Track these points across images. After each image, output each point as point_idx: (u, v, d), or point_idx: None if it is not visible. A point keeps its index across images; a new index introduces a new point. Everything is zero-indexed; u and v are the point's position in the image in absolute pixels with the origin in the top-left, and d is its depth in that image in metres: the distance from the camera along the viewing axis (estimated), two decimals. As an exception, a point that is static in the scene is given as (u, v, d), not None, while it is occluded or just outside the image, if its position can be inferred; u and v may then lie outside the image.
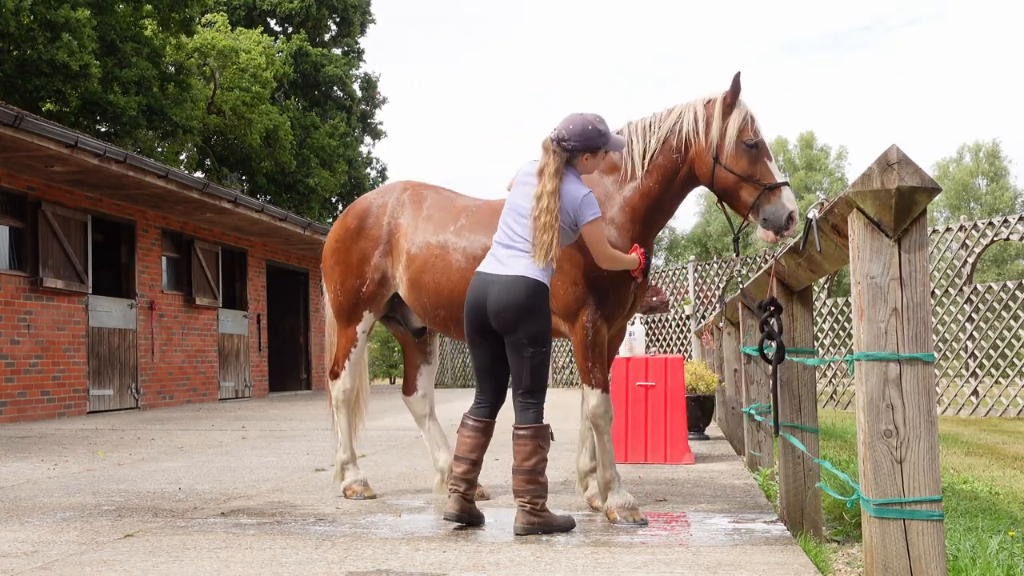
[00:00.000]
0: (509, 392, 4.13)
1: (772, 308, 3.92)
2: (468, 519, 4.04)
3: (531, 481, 3.92)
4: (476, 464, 4.06)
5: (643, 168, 4.30)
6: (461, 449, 4.07)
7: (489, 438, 4.13)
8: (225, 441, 8.37)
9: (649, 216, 4.35)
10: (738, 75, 4.16)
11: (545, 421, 4.04)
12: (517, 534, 3.88)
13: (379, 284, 4.84)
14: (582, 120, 4.04)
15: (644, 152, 4.31)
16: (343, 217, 5.07)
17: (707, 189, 4.36)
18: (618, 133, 4.40)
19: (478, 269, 4.07)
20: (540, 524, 3.90)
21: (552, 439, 4.08)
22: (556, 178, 3.96)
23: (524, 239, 3.98)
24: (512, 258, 3.98)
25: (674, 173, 4.29)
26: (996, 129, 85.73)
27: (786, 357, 3.98)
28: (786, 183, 4.11)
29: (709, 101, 4.26)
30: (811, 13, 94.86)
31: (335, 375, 5.05)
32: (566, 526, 3.97)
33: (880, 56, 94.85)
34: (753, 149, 4.11)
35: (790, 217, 4.04)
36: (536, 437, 3.94)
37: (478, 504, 4.74)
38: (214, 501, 4.90)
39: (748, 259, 17.35)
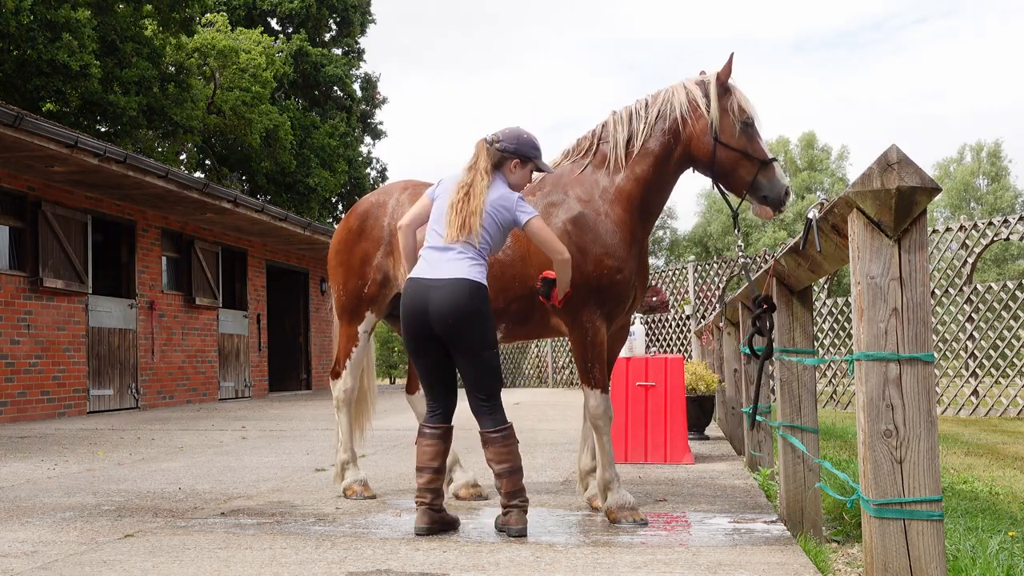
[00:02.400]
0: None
1: (765, 307, 3.95)
2: (440, 528, 3.94)
3: (520, 480, 3.88)
4: (439, 472, 3.97)
5: (628, 155, 4.29)
6: (422, 459, 3.97)
7: (449, 444, 4.05)
8: (225, 441, 8.37)
9: (645, 203, 4.33)
10: (732, 56, 4.25)
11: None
12: (518, 536, 3.81)
13: (381, 285, 4.84)
14: (519, 130, 4.08)
15: (630, 138, 4.30)
16: (345, 218, 5.10)
17: (703, 187, 4.42)
18: (603, 125, 4.44)
19: (411, 275, 3.95)
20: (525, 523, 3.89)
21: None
22: (487, 175, 3.95)
23: (459, 243, 3.90)
24: (448, 262, 3.88)
25: (667, 155, 4.29)
26: (999, 129, 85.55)
27: (775, 357, 4.00)
28: (776, 159, 4.21)
29: (701, 81, 4.30)
30: (823, 10, 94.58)
31: (336, 374, 5.06)
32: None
33: (887, 54, 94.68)
34: (750, 127, 4.20)
35: (787, 192, 4.13)
36: (510, 436, 3.90)
37: (476, 504, 4.75)
38: (214, 501, 4.90)
39: (749, 257, 17.37)
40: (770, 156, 4.18)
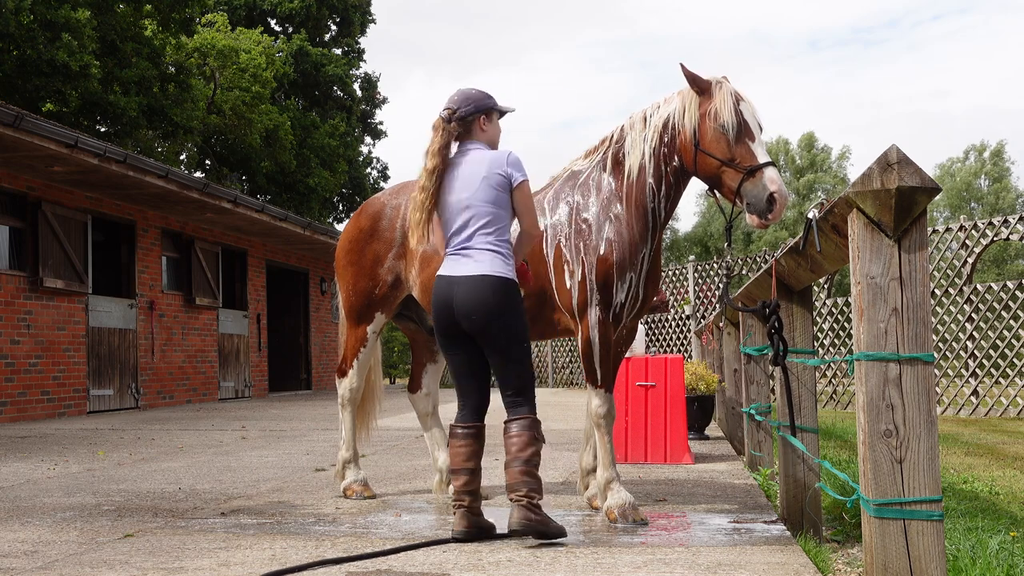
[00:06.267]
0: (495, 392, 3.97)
1: (773, 311, 3.92)
2: (477, 534, 3.78)
3: (527, 473, 3.69)
4: (475, 473, 3.84)
5: (637, 160, 4.24)
6: (456, 460, 3.85)
7: (482, 443, 3.92)
8: (225, 441, 8.37)
9: (651, 208, 4.27)
10: (681, 64, 4.09)
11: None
12: (513, 531, 3.68)
13: (392, 286, 4.83)
14: (463, 90, 4.03)
15: (642, 145, 4.25)
16: (356, 218, 5.03)
17: (702, 187, 4.31)
18: (621, 128, 4.40)
19: (439, 273, 3.90)
20: (537, 522, 3.66)
21: (543, 441, 3.85)
22: (438, 156, 3.89)
23: (485, 236, 3.83)
24: (468, 257, 3.83)
25: (667, 163, 4.22)
26: (1005, 129, 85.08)
27: (787, 356, 3.99)
28: (770, 163, 3.92)
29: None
30: (841, 7, 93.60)
31: (343, 373, 5.06)
32: (560, 532, 3.72)
33: (900, 52, 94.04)
34: (731, 131, 3.96)
35: (770, 199, 3.83)
36: (530, 428, 3.75)
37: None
38: (214, 501, 4.90)
39: (748, 259, 17.36)
40: (760, 161, 3.90)
